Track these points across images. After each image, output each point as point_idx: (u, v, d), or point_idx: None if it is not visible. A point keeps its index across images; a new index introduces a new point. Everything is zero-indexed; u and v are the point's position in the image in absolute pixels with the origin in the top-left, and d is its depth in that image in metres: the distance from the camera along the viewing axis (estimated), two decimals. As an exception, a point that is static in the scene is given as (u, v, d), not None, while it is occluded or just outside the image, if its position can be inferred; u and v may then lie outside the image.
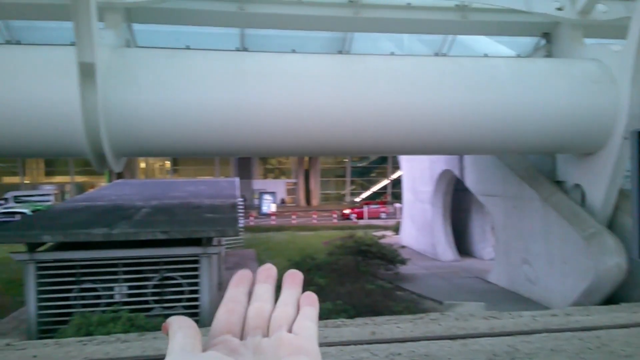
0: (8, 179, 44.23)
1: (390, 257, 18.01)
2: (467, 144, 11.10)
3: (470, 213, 22.34)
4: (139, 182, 27.48)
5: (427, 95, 10.21)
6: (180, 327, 0.61)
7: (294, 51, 12.08)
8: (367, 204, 41.03)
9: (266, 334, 0.66)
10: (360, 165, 50.02)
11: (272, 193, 42.21)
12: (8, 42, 11.44)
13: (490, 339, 7.44)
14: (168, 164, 47.63)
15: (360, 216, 37.91)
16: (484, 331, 7.88)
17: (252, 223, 33.44)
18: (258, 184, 45.76)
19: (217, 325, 0.66)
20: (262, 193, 41.56)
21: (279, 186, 46.87)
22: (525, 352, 6.87)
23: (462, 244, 22.32)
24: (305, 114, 9.51)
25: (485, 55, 13.54)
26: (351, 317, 10.17)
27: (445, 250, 21.51)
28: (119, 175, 32.48)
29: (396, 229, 28.14)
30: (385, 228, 29.99)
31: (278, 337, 0.64)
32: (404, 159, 26.22)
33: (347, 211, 39.27)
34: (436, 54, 13.61)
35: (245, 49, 12.31)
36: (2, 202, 36.13)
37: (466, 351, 6.98)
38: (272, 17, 11.16)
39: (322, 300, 11.19)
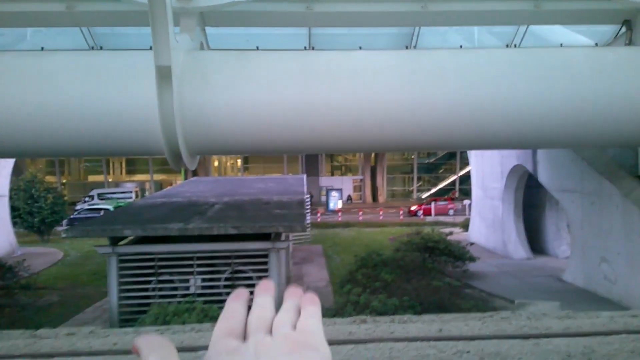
0: (93, 177, 47.15)
1: (458, 254, 17.61)
2: (543, 137, 10.67)
3: (544, 210, 21.45)
4: (212, 180, 28.55)
5: (499, 87, 9.91)
6: (152, 350, 0.56)
7: (360, 48, 12.12)
8: (434, 200, 40.28)
9: (269, 333, 0.63)
10: (428, 161, 49.24)
11: (339, 190, 42.44)
12: (92, 48, 12.26)
13: (564, 339, 7.18)
14: (239, 162, 49.02)
15: (427, 213, 37.28)
16: (558, 331, 7.61)
17: (319, 219, 33.81)
18: (325, 180, 46.11)
19: (217, 333, 0.63)
20: (329, 190, 41.88)
21: (346, 183, 47.01)
22: (603, 353, 6.58)
23: (535, 241, 21.48)
24: (372, 110, 9.53)
25: (561, 45, 12.96)
26: (418, 313, 10.12)
27: (517, 248, 20.80)
28: (194, 173, 33.88)
29: (464, 226, 27.51)
30: (453, 225, 29.36)
31: (283, 333, 0.62)
32: (473, 155, 25.57)
33: (413, 208, 38.73)
34: (507, 46, 13.18)
35: (312, 48, 12.49)
36: (87, 199, 38.60)
37: (539, 351, 6.78)
38: (340, 15, 11.24)
39: (388, 296, 11.21)
